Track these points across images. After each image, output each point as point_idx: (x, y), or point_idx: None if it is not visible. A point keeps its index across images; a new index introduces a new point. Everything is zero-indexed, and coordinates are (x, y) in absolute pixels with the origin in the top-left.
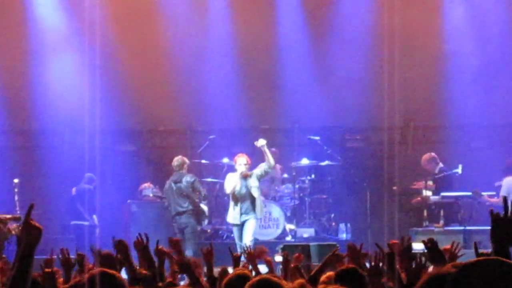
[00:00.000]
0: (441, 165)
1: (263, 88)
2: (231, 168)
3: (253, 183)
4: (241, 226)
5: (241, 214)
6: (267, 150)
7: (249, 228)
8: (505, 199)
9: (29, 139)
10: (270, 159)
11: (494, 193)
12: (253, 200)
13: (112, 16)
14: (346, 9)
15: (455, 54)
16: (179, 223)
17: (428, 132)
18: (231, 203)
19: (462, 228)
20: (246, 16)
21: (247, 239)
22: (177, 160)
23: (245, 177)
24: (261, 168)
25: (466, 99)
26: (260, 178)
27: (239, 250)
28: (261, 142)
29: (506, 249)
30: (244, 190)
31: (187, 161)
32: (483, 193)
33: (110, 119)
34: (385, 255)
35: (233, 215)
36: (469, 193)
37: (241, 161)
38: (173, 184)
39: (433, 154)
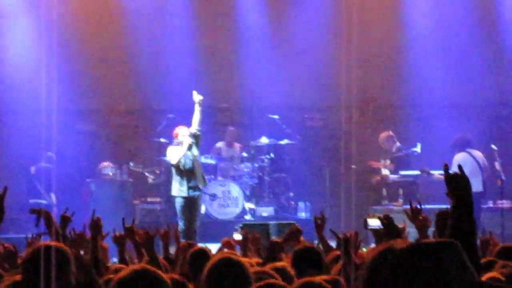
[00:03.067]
0: (398, 144)
1: (222, 67)
2: None
3: (195, 152)
4: (188, 200)
5: (188, 188)
6: (199, 110)
7: (199, 206)
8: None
9: None
10: (196, 122)
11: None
12: (197, 171)
13: None
14: None
15: (414, 33)
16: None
17: (387, 111)
18: (177, 177)
19: (421, 207)
20: None
21: (198, 219)
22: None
23: (190, 148)
24: (190, 138)
25: (425, 78)
26: (198, 145)
27: (181, 224)
28: (198, 97)
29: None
30: (189, 163)
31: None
32: (434, 172)
33: (69, 98)
34: (341, 240)
35: (178, 187)
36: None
37: (184, 132)
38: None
39: (390, 132)
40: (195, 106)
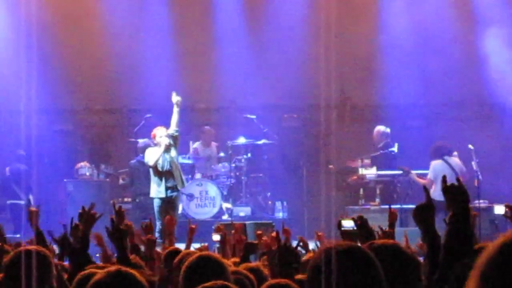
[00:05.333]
0: (388, 139)
1: (199, 68)
2: None
3: (173, 153)
4: (165, 200)
5: (166, 188)
6: (177, 111)
7: (177, 206)
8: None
9: None
10: (174, 123)
11: (427, 171)
12: (175, 173)
13: None
14: None
15: (391, 34)
16: (143, 204)
17: (365, 111)
18: (155, 178)
19: (398, 206)
20: None
21: (175, 217)
22: (143, 142)
23: (168, 149)
24: (168, 139)
25: (402, 78)
26: (176, 146)
27: (158, 224)
28: (176, 98)
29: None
30: (167, 165)
31: (152, 144)
32: (413, 171)
33: (46, 98)
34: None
35: (156, 189)
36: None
37: (162, 133)
38: (140, 166)
39: (388, 129)
40: (174, 107)
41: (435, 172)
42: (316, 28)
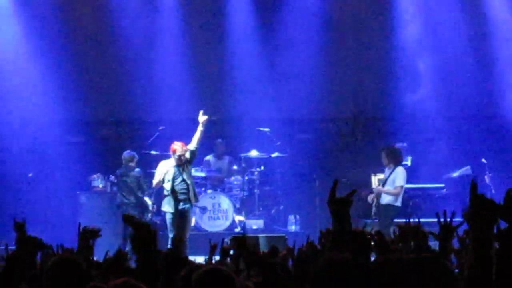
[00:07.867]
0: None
1: (213, 79)
2: None
3: (188, 169)
4: (178, 213)
5: (178, 202)
6: (200, 130)
7: (190, 218)
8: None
9: None
10: (195, 140)
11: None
12: (189, 190)
13: (63, 5)
14: (298, 1)
15: (406, 46)
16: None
17: (378, 124)
18: (168, 193)
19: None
20: (196, 7)
21: (187, 231)
22: (128, 153)
23: (184, 164)
24: (188, 153)
25: (415, 91)
26: (192, 161)
27: (170, 236)
28: (203, 117)
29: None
30: (183, 184)
31: (136, 156)
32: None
33: (59, 110)
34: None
35: (168, 203)
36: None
37: (182, 151)
38: (119, 177)
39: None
40: (199, 125)
41: (405, 179)
42: (329, 42)
